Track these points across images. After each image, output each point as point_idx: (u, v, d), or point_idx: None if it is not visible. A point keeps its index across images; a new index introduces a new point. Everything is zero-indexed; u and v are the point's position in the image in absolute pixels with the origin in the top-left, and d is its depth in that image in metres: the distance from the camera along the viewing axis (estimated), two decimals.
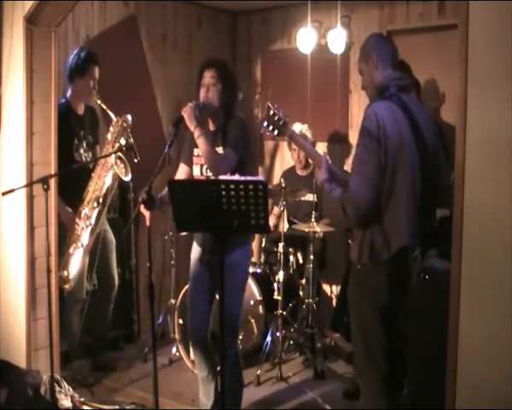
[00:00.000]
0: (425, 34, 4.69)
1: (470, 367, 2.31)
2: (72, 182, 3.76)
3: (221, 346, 2.47)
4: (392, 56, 2.75)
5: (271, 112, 2.82)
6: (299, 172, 4.94)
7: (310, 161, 4.47)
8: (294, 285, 4.52)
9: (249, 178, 2.39)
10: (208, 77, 3.09)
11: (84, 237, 3.86)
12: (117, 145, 3.83)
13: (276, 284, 4.36)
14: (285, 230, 4.60)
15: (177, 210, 2.46)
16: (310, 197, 4.60)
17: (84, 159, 3.99)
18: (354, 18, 4.99)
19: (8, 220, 3.62)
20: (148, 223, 2.88)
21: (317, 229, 4.33)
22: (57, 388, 3.42)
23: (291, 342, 4.45)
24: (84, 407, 3.53)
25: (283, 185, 4.31)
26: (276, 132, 2.83)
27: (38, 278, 3.54)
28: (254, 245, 4.63)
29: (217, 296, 3.22)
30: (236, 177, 2.78)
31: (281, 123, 2.81)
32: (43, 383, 3.41)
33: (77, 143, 3.97)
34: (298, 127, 4.68)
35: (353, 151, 2.65)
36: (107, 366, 4.19)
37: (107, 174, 3.87)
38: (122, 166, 3.91)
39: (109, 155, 3.79)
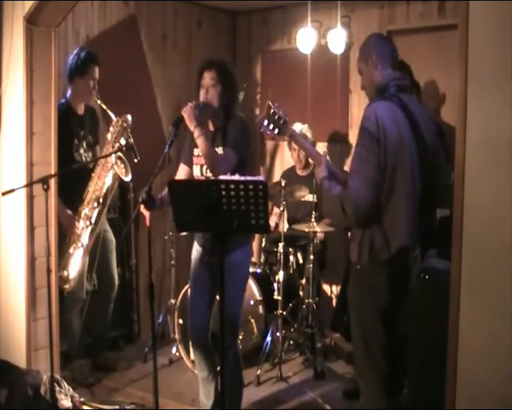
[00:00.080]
0: (425, 34, 4.68)
1: (470, 367, 2.31)
2: (72, 182, 3.76)
3: (221, 346, 2.47)
4: (392, 56, 2.75)
5: (272, 110, 2.80)
6: (299, 172, 4.94)
7: (310, 161, 4.47)
8: (294, 285, 4.52)
9: (249, 178, 2.39)
10: (208, 78, 3.09)
11: (84, 237, 3.86)
12: (117, 145, 3.83)
13: (276, 284, 4.36)
14: (285, 230, 4.60)
15: (177, 210, 2.46)
16: (310, 198, 4.60)
17: (84, 159, 3.99)
18: (354, 18, 4.98)
19: (8, 220, 3.62)
20: (148, 223, 2.88)
21: (317, 229, 4.34)
22: (57, 388, 3.42)
23: (291, 342, 4.45)
24: (84, 407, 3.52)
25: (283, 185, 4.32)
26: (276, 131, 2.81)
27: (38, 278, 3.54)
28: (254, 245, 4.62)
29: (217, 297, 3.22)
30: (236, 177, 2.78)
31: (281, 122, 2.80)
32: (43, 383, 3.41)
33: (77, 143, 3.97)
34: (298, 127, 4.67)
35: (353, 151, 2.65)
36: (107, 366, 4.19)
37: (108, 174, 3.87)
38: (122, 166, 3.91)
39: (109, 155, 3.79)
